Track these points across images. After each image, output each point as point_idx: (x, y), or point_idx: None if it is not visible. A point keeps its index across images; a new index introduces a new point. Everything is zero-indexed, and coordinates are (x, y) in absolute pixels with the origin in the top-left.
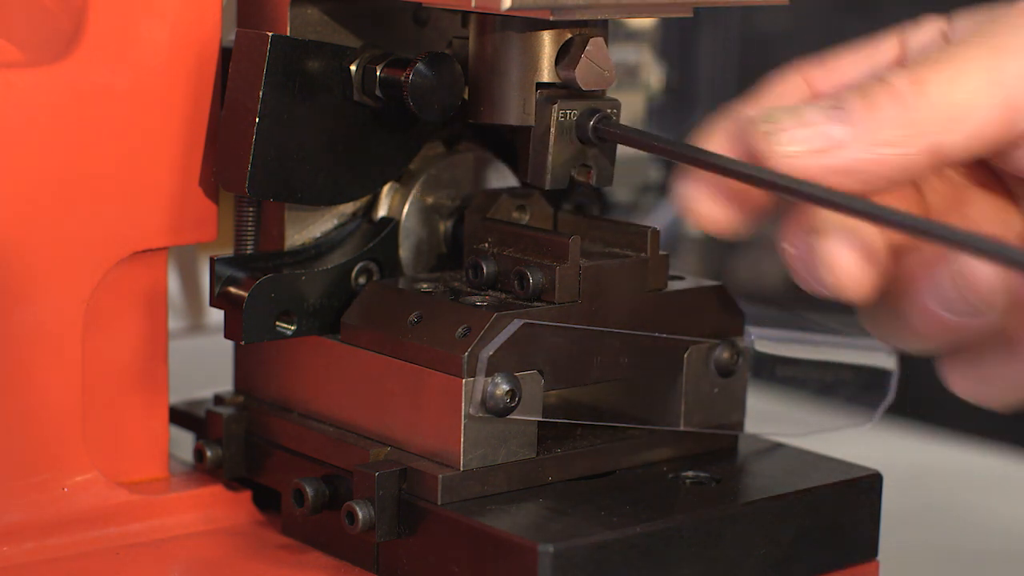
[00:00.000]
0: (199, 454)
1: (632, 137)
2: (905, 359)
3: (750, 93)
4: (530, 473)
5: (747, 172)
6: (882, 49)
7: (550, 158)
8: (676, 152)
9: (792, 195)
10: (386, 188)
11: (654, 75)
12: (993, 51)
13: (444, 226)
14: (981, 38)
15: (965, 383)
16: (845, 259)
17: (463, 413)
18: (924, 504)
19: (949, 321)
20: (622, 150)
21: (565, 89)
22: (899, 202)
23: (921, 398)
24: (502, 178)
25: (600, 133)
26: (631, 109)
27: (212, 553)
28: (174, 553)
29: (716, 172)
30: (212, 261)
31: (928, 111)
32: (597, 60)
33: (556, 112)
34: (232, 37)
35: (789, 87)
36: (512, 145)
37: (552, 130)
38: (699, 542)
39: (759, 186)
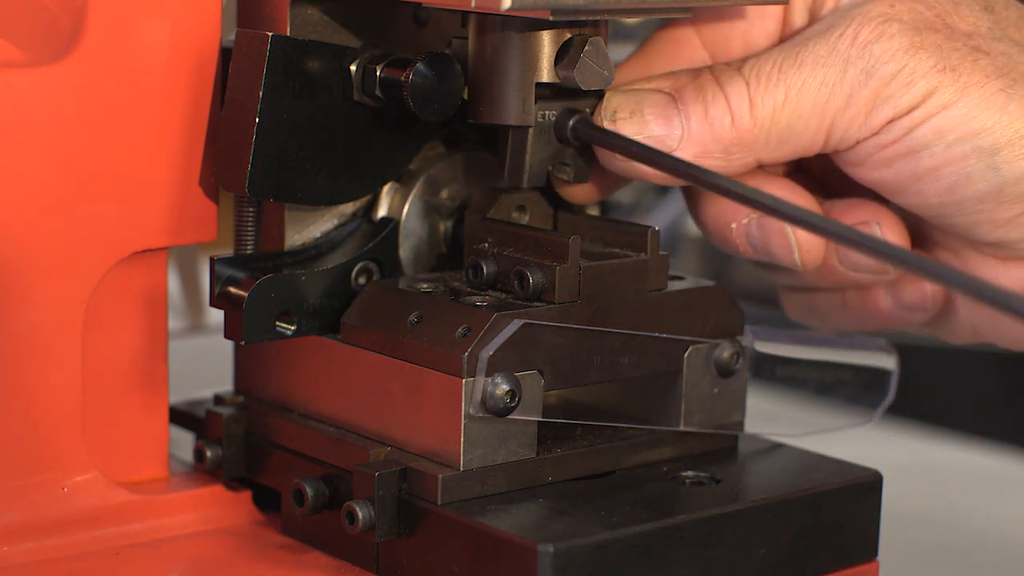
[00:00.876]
0: (199, 454)
1: (608, 139)
2: (905, 359)
3: (643, 45)
4: (530, 473)
5: (716, 183)
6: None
7: (528, 157)
8: (650, 156)
9: (766, 210)
10: (386, 188)
11: None
12: (823, 82)
13: (444, 226)
14: (816, 60)
15: (798, 314)
16: (804, 235)
17: (463, 413)
18: (924, 504)
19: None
20: None
21: (564, 90)
22: None
23: (921, 398)
24: (502, 178)
25: (578, 134)
26: None
27: (212, 553)
28: (174, 553)
29: (689, 179)
30: (212, 261)
31: (757, 133)
32: (596, 60)
33: (535, 112)
34: (232, 37)
35: (678, 44)
36: None
37: (530, 129)
38: (699, 542)
39: (726, 196)
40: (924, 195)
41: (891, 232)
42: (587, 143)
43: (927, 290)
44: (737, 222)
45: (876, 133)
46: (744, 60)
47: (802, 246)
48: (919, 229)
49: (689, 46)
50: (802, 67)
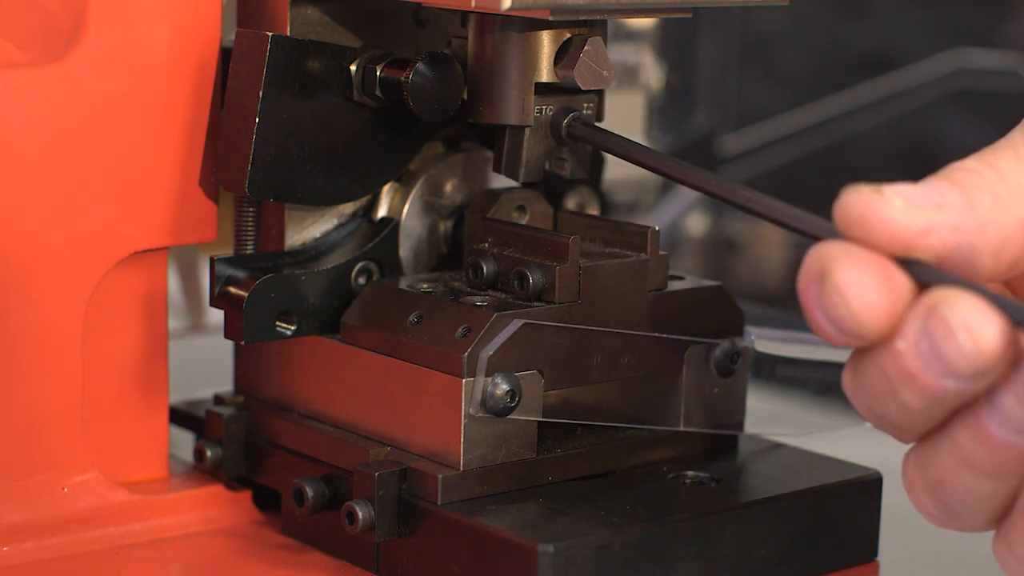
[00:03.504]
0: (199, 454)
1: (601, 142)
2: None
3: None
4: (530, 473)
5: (701, 184)
6: None
7: (524, 152)
8: (642, 158)
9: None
10: (386, 188)
11: (654, 75)
12: None
13: (444, 226)
14: None
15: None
16: (854, 282)
17: (463, 413)
18: None
19: (1021, 444)
20: None
21: (563, 89)
22: None
23: None
24: (502, 178)
25: (573, 133)
26: (631, 109)
27: (212, 553)
28: (174, 553)
29: (676, 180)
30: (212, 261)
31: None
32: (595, 60)
33: (534, 112)
34: (232, 37)
35: None
36: None
37: (528, 127)
38: (699, 542)
39: (713, 196)
40: None
41: None
42: (582, 143)
43: None
44: None
45: None
46: None
47: None
48: None
49: None
50: None
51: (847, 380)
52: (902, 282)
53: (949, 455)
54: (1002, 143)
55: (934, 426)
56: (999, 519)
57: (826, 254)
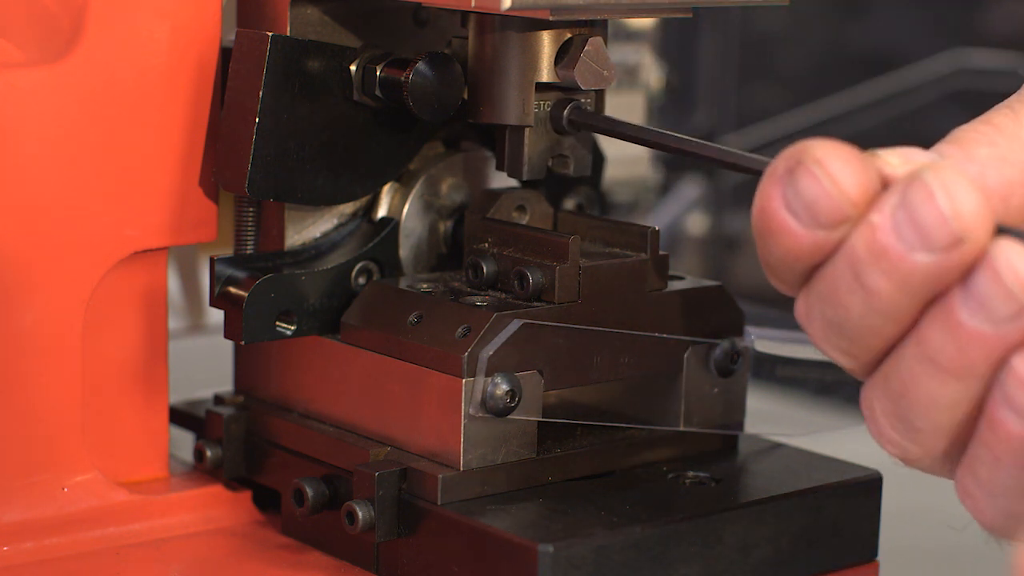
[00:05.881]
0: (199, 454)
1: (603, 125)
2: None
3: None
4: (530, 473)
5: (708, 153)
6: None
7: (526, 149)
8: (646, 137)
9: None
10: (386, 188)
11: (654, 75)
12: None
13: (444, 226)
14: None
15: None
16: (835, 156)
17: (463, 413)
18: (924, 504)
19: (992, 336)
20: (623, 150)
21: (563, 89)
22: None
23: None
24: (502, 178)
25: (574, 122)
26: (631, 109)
27: (212, 553)
28: (174, 553)
29: (682, 154)
30: (212, 261)
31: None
32: (596, 60)
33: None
34: (232, 37)
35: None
36: None
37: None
38: (699, 542)
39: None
40: None
41: None
42: (585, 132)
43: None
44: None
45: None
46: None
47: None
48: None
49: None
50: None
51: (799, 305)
52: (875, 173)
53: (914, 357)
54: (998, 107)
55: (893, 335)
56: (958, 443)
57: (798, 147)
